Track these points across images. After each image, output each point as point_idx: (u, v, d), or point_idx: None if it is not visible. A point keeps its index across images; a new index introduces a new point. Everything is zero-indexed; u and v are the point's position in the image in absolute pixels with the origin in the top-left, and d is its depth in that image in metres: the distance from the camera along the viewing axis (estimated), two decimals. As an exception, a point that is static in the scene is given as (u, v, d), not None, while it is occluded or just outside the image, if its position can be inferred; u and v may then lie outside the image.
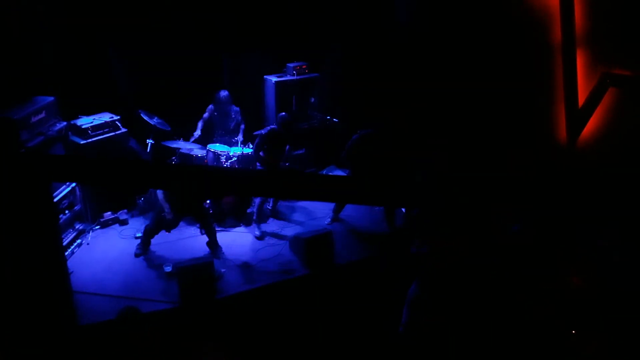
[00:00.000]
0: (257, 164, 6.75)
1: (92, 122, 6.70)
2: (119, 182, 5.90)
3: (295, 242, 6.50)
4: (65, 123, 6.42)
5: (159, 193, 6.15)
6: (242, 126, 7.55)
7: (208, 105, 7.45)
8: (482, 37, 6.68)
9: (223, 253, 6.38)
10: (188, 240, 6.68)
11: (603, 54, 5.79)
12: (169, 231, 6.29)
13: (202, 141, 7.40)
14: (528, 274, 4.80)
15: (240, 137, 7.45)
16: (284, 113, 6.91)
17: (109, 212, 7.01)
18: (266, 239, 6.80)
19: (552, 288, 4.71)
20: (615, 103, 5.81)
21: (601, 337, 4.36)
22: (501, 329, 4.46)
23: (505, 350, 4.43)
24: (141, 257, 6.31)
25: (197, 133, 7.36)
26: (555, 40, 6.03)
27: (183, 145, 7.10)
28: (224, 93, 7.36)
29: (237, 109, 7.53)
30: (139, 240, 6.43)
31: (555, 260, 4.94)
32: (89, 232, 6.72)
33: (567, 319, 4.51)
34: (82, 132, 6.60)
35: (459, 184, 4.22)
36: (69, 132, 6.53)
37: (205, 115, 7.42)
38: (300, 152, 8.10)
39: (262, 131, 6.77)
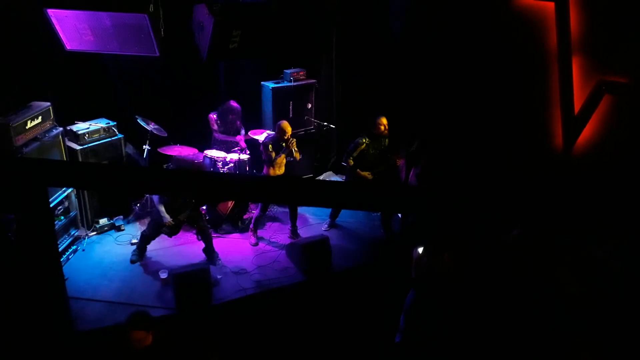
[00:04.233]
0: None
1: (88, 128, 6.69)
2: (115, 188, 5.89)
3: (292, 248, 6.49)
4: (61, 129, 6.40)
5: (155, 199, 6.14)
6: (242, 131, 7.54)
7: (203, 109, 7.40)
8: (477, 44, 6.71)
9: (219, 259, 6.36)
10: (184, 247, 6.66)
11: (599, 61, 5.82)
12: (171, 236, 6.27)
13: (200, 147, 7.39)
14: (525, 279, 4.80)
15: (241, 141, 7.43)
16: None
17: (105, 218, 6.98)
18: (263, 245, 6.80)
19: (549, 294, 4.71)
20: (610, 110, 5.84)
21: (598, 344, 4.36)
22: (500, 335, 4.45)
23: (503, 356, 4.42)
24: (137, 264, 6.28)
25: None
26: (551, 47, 6.06)
27: (180, 151, 7.09)
28: (236, 105, 7.34)
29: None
30: (134, 247, 6.41)
31: (552, 267, 4.94)
32: (84, 238, 6.70)
33: (564, 324, 4.51)
34: (79, 138, 6.59)
35: (456, 191, 4.23)
36: (65, 138, 6.52)
37: (215, 129, 7.37)
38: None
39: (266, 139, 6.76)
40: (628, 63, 5.59)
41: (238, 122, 7.43)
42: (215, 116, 7.39)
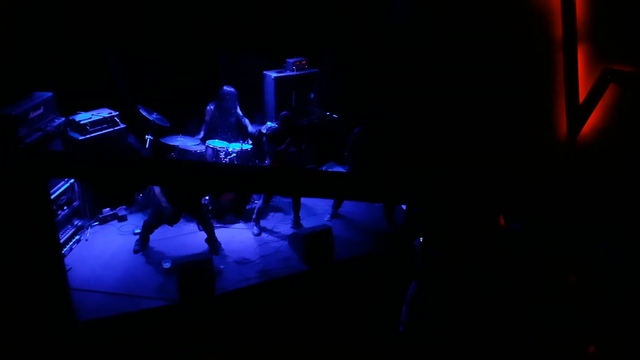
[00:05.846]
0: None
1: (90, 118, 6.67)
2: (117, 179, 5.88)
3: (295, 238, 6.49)
4: (63, 119, 6.38)
5: (156, 188, 6.13)
6: (246, 120, 7.49)
7: (205, 99, 7.35)
8: (482, 32, 6.65)
9: (222, 249, 6.37)
10: (187, 237, 6.66)
11: (604, 49, 5.76)
12: (172, 225, 6.27)
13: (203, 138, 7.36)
14: (528, 274, 4.78)
15: (252, 129, 7.36)
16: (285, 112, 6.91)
17: (108, 208, 6.99)
18: (265, 235, 6.80)
19: (551, 288, 4.69)
20: (616, 99, 5.79)
21: (599, 337, 4.35)
22: (500, 328, 4.45)
23: (504, 349, 4.42)
24: (140, 254, 6.29)
25: (201, 134, 7.33)
26: (556, 36, 6.00)
27: (182, 141, 7.08)
28: (229, 89, 7.29)
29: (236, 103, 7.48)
30: (137, 237, 6.41)
31: (555, 259, 4.92)
32: (87, 228, 6.71)
33: (565, 318, 4.49)
34: (81, 128, 6.57)
35: (458, 182, 4.19)
36: (68, 128, 6.49)
37: (207, 118, 7.32)
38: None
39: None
40: (634, 52, 5.54)
41: (236, 109, 7.38)
42: (212, 107, 7.34)
